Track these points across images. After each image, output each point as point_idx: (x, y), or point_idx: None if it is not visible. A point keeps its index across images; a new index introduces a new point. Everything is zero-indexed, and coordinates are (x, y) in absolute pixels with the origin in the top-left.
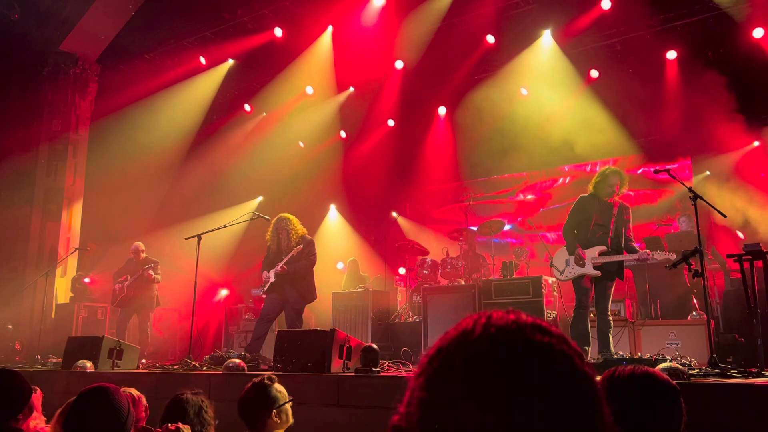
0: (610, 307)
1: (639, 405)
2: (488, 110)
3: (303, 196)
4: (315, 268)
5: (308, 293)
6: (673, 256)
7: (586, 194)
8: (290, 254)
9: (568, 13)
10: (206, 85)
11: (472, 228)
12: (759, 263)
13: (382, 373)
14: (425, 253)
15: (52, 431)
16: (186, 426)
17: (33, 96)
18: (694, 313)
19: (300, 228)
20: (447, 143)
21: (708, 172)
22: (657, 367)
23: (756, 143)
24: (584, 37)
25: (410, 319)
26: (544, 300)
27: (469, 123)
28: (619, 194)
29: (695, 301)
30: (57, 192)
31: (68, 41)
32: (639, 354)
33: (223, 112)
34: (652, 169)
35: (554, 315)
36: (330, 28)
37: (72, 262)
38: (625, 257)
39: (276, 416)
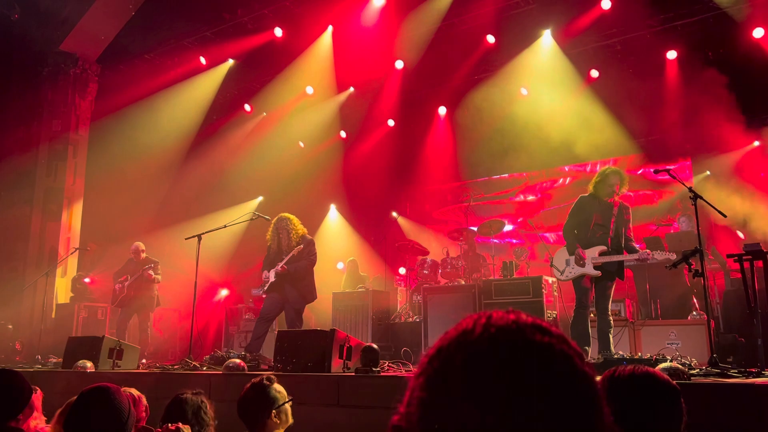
0: (610, 307)
1: (639, 405)
2: (488, 110)
3: (303, 196)
4: (315, 268)
5: (308, 293)
6: (674, 256)
7: (586, 194)
8: (290, 254)
9: (568, 13)
10: (206, 85)
11: (472, 228)
12: (759, 263)
13: (382, 373)
14: (425, 253)
15: (52, 431)
16: (186, 426)
17: (33, 96)
18: (694, 313)
19: (300, 228)
20: (447, 143)
21: (708, 172)
22: (657, 367)
23: (756, 143)
24: (584, 37)
25: (410, 319)
26: (545, 300)
27: (469, 123)
28: (619, 194)
29: (695, 301)
30: (57, 192)
31: (68, 41)
32: (639, 354)
33: (223, 112)
34: (652, 170)
35: (554, 315)
36: (330, 28)
37: (72, 262)
38: (626, 257)
39: (275, 416)
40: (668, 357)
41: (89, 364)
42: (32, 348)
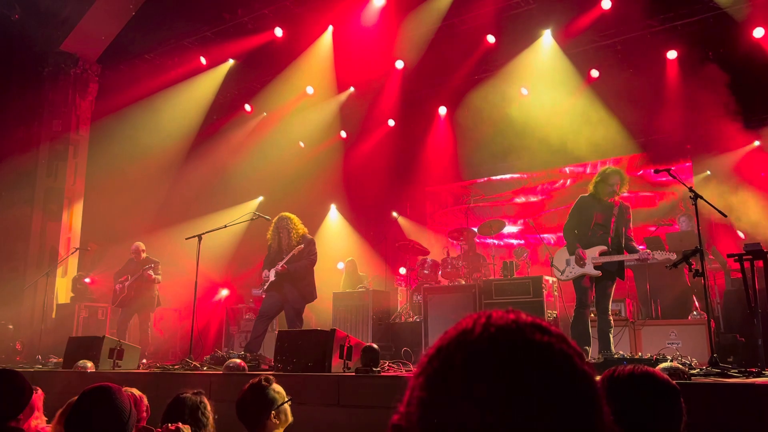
0: (610, 307)
1: (639, 405)
2: (488, 110)
3: (303, 196)
4: (315, 268)
5: (308, 293)
6: (674, 256)
7: (587, 194)
8: (291, 253)
9: (569, 13)
10: (207, 85)
11: (472, 228)
12: (759, 263)
13: (382, 373)
14: (426, 253)
15: (53, 431)
16: (186, 426)
17: (33, 96)
18: (694, 312)
19: (301, 227)
20: (447, 143)
21: (708, 172)
22: (657, 367)
23: (756, 143)
24: (584, 36)
25: (411, 319)
26: (545, 300)
27: (469, 123)
28: (619, 194)
29: (696, 300)
30: (57, 192)
31: (69, 41)
32: (639, 354)
33: (223, 112)
34: (652, 170)
35: (555, 315)
36: (330, 28)
37: (72, 262)
38: (626, 257)
39: (275, 417)
40: (668, 357)
41: (90, 364)
42: (33, 348)
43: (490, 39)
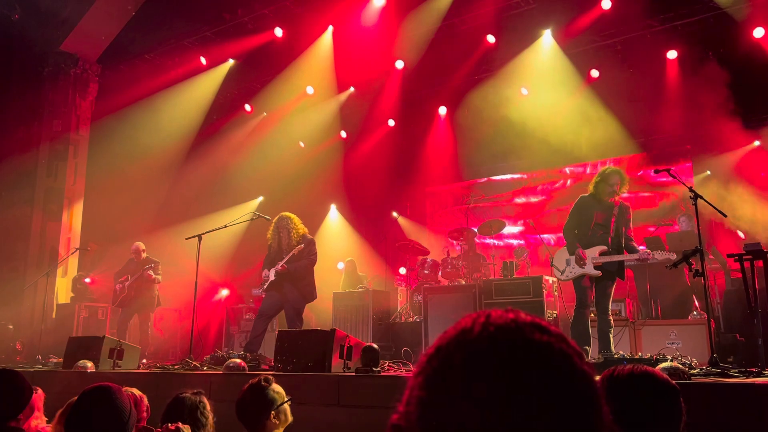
0: (610, 307)
1: (638, 404)
2: (488, 110)
3: (303, 196)
4: (315, 268)
5: (308, 293)
6: (674, 256)
7: (587, 194)
8: (291, 253)
9: (569, 13)
10: (207, 85)
11: (472, 228)
12: (759, 263)
13: (382, 373)
14: (426, 253)
15: (53, 431)
16: (186, 426)
17: (33, 96)
18: (694, 312)
19: (301, 227)
20: (447, 143)
21: (708, 172)
22: (657, 367)
23: (756, 143)
24: (584, 36)
25: (411, 319)
26: (545, 300)
27: (470, 123)
28: (619, 194)
29: (696, 300)
30: (57, 192)
31: (69, 41)
32: (639, 354)
33: (223, 112)
34: (653, 169)
35: (555, 315)
36: (330, 28)
37: (73, 262)
38: (626, 257)
39: (275, 417)
40: (668, 357)
41: (90, 364)
42: (33, 348)
43: (490, 39)
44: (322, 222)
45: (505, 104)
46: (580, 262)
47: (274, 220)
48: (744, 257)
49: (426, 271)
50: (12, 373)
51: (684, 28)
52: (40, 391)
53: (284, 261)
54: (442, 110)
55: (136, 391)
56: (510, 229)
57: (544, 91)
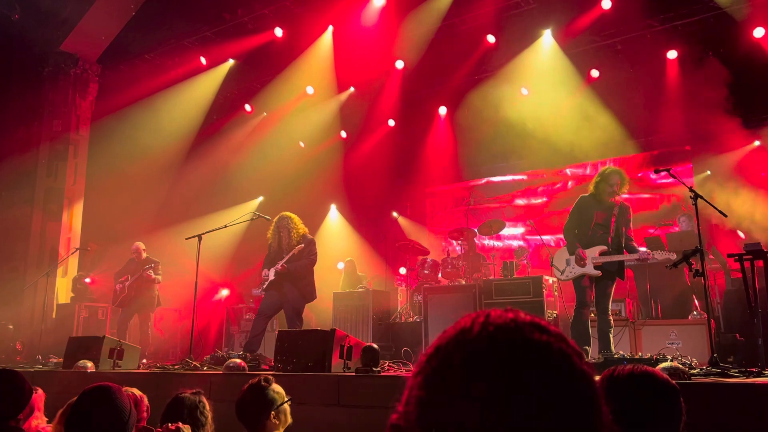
0: (610, 307)
1: (638, 404)
2: (488, 110)
3: (303, 196)
4: (315, 268)
5: (308, 292)
6: (674, 256)
7: (587, 194)
8: (291, 253)
9: (569, 13)
10: (207, 85)
11: (472, 228)
12: (760, 263)
13: (382, 373)
14: (426, 252)
15: (53, 431)
16: (186, 426)
17: (33, 96)
18: (694, 312)
19: (301, 227)
20: (447, 143)
21: (708, 172)
22: (658, 367)
23: (757, 143)
24: (584, 36)
25: (411, 319)
26: (545, 300)
27: (470, 123)
28: (619, 194)
29: (696, 300)
30: (58, 192)
31: (69, 41)
32: (640, 354)
33: (223, 112)
34: (653, 170)
35: (555, 315)
36: (330, 28)
37: (73, 262)
38: (626, 257)
39: (275, 417)
40: (669, 357)
41: (90, 364)
42: (33, 348)
43: (490, 39)
44: (322, 222)
45: (505, 104)
46: (580, 262)
47: (274, 220)
48: (744, 257)
49: (426, 271)
50: (12, 373)
51: (684, 28)
52: (40, 391)
53: (284, 261)
54: (442, 110)
55: (136, 391)
56: (511, 230)
57: (544, 91)
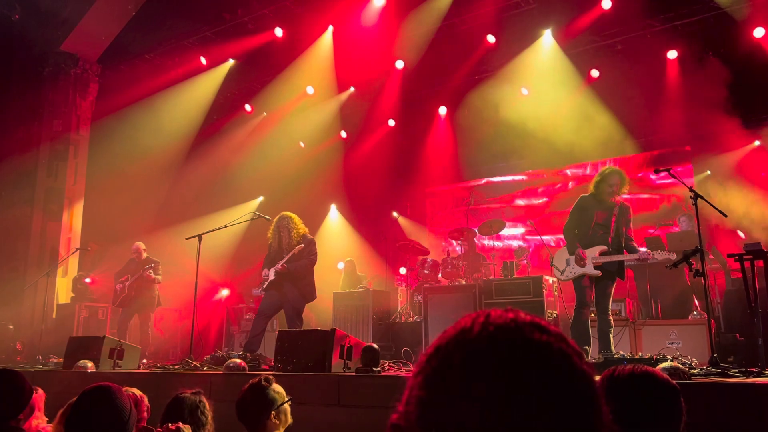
0: (610, 307)
1: (638, 404)
2: (488, 110)
3: (304, 196)
4: (315, 268)
5: (308, 292)
6: (674, 256)
7: (587, 194)
8: (291, 253)
9: (569, 13)
10: (207, 85)
11: (472, 228)
12: (760, 263)
13: (382, 373)
14: (426, 252)
15: (54, 431)
16: (187, 426)
17: (34, 96)
18: (695, 312)
19: (301, 227)
20: (447, 143)
21: (709, 172)
22: (658, 367)
23: (757, 143)
24: (585, 36)
25: (411, 319)
26: (545, 300)
27: (470, 123)
28: (619, 194)
29: (696, 300)
30: (58, 192)
31: (69, 41)
32: (640, 354)
33: (223, 112)
34: (653, 170)
35: (555, 315)
36: (330, 28)
37: (73, 262)
38: (626, 257)
39: (275, 417)
40: (669, 357)
41: (90, 364)
42: (33, 348)
43: (490, 39)
44: (322, 222)
45: (505, 104)
46: (580, 261)
47: (274, 220)
48: (744, 257)
49: (426, 271)
50: (12, 373)
51: (684, 28)
52: (40, 391)
53: (284, 260)
54: (442, 110)
55: (137, 391)
56: (511, 230)
57: (544, 91)
